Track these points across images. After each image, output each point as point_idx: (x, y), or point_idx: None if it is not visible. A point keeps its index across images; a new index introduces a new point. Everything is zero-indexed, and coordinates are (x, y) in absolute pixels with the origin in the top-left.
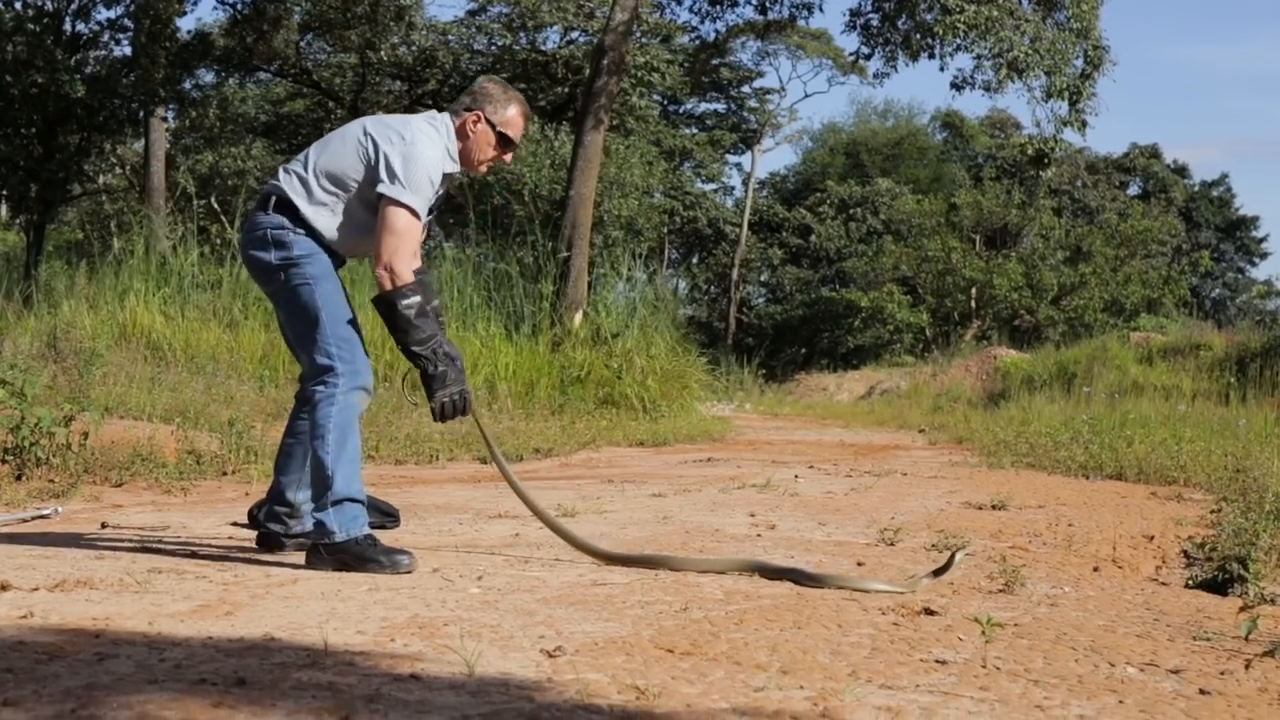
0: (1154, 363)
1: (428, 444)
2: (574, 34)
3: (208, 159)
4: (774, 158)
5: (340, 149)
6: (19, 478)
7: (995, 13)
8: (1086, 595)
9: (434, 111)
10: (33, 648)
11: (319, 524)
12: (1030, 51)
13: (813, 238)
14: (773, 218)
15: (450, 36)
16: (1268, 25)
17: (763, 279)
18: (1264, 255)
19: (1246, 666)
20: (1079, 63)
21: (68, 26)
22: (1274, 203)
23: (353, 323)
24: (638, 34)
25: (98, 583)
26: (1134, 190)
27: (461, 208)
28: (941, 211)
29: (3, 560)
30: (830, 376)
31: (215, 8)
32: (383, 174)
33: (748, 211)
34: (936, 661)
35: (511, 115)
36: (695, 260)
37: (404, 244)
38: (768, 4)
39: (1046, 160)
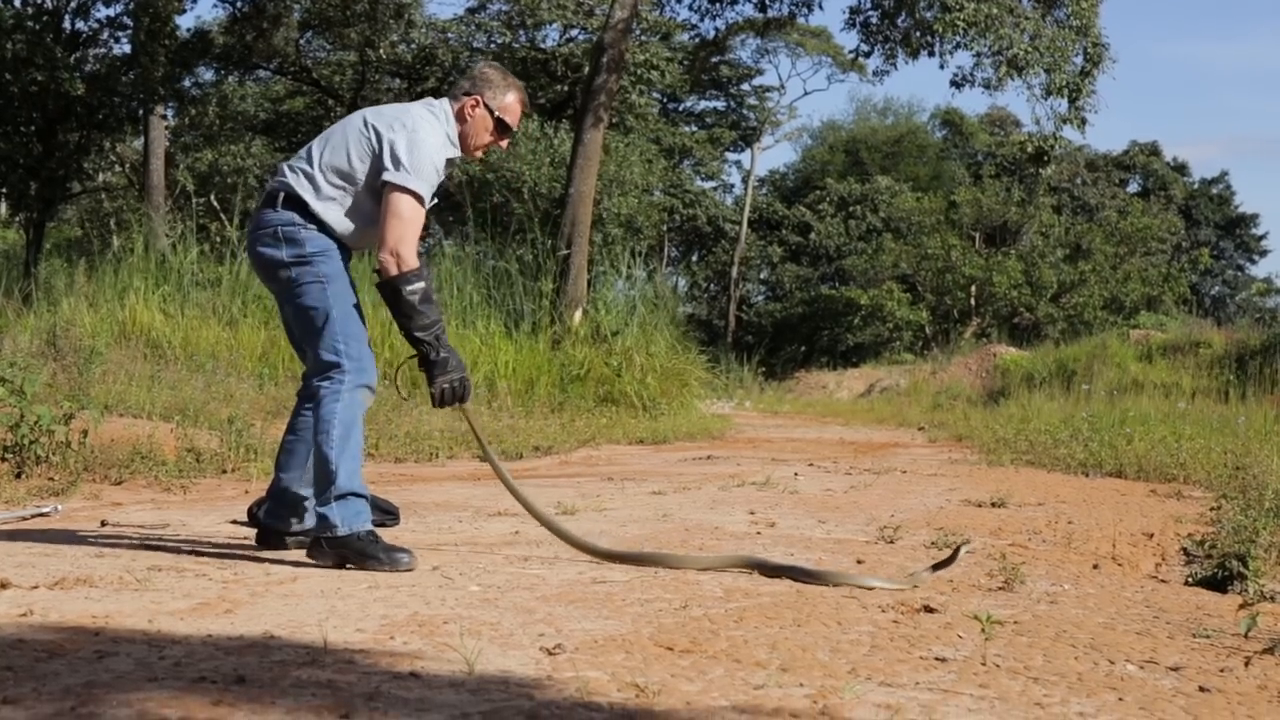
0: (1153, 360)
1: (427, 442)
2: (573, 31)
3: (207, 157)
4: (773, 155)
5: (343, 142)
6: (19, 475)
7: (995, 10)
8: (1086, 593)
9: (431, 98)
10: (32, 645)
11: (321, 518)
12: (1030, 49)
13: (812, 235)
14: (772, 215)
15: (450, 34)
16: (1267, 23)
17: (762, 277)
18: (1263, 253)
19: (1246, 664)
20: (1079, 60)
21: (67, 24)
22: (1273, 200)
23: (360, 321)
24: (637, 32)
25: (97, 580)
26: (1134, 188)
27: (461, 205)
28: (941, 209)
29: (2, 558)
30: (830, 374)
31: (215, 5)
32: (387, 161)
33: (747, 209)
34: (936, 659)
35: (510, 102)
36: (695, 258)
37: (409, 229)
38: (767, 1)
39: (1046, 158)
